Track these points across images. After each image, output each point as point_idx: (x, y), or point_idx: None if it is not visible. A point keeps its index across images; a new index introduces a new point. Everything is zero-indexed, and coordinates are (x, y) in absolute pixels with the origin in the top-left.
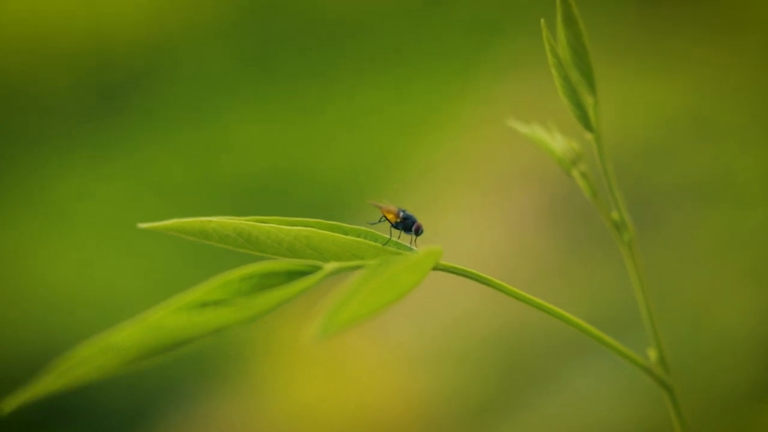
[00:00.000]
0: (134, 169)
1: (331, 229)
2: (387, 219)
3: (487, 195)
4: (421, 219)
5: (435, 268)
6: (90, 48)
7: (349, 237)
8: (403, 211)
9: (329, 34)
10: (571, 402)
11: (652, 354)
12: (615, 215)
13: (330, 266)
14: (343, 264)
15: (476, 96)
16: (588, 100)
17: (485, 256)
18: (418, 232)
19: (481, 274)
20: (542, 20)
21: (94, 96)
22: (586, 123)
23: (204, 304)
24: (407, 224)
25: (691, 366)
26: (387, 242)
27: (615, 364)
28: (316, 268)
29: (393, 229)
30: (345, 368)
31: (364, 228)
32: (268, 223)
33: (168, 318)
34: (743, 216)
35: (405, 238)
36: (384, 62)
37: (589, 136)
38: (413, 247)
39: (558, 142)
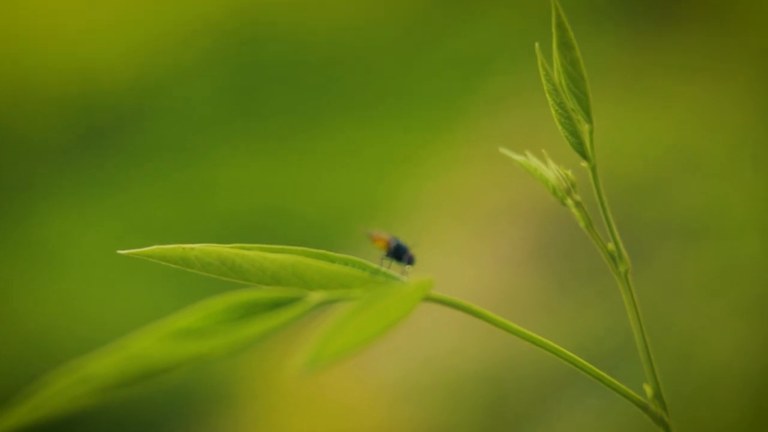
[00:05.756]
0: (121, 209)
1: (317, 257)
2: (378, 247)
3: (476, 231)
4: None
5: (425, 299)
6: (76, 89)
7: (336, 265)
8: (395, 240)
9: (315, 72)
10: None
11: (648, 389)
12: (611, 246)
13: (318, 296)
14: (331, 294)
15: (464, 132)
16: (584, 127)
17: (473, 293)
18: (411, 261)
19: (472, 306)
20: (537, 45)
21: (80, 137)
22: (581, 151)
23: (188, 333)
24: (398, 253)
25: (680, 402)
26: (376, 272)
27: (604, 401)
28: (304, 298)
29: (383, 259)
30: (330, 405)
31: (351, 257)
32: (252, 250)
33: (151, 347)
34: (732, 251)
35: (396, 269)
36: (371, 99)
37: (584, 164)
38: (404, 277)
39: (552, 171)
